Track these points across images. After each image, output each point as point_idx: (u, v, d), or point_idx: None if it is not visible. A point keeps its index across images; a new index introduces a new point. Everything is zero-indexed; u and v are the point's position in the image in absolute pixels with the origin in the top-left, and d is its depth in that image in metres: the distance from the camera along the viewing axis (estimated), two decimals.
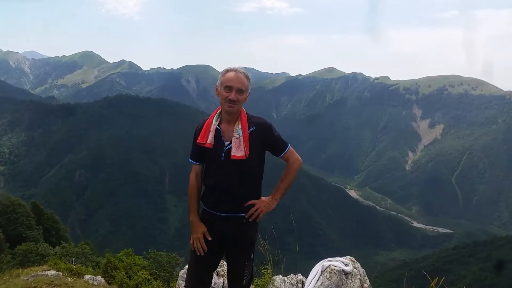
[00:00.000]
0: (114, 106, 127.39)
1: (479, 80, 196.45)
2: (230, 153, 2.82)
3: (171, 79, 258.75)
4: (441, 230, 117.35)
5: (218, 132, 2.88)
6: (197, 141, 2.90)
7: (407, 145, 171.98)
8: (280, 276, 4.06)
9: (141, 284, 7.23)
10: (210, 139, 2.86)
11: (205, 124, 2.94)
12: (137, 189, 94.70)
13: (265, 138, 2.94)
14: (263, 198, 2.98)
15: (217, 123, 2.91)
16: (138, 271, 8.02)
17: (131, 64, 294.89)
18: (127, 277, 7.33)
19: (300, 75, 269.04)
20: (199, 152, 2.95)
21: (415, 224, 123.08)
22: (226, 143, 2.86)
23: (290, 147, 3.06)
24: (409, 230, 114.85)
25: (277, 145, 3.02)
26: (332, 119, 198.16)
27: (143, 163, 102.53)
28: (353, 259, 4.03)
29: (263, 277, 4.18)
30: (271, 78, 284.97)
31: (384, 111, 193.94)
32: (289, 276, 4.04)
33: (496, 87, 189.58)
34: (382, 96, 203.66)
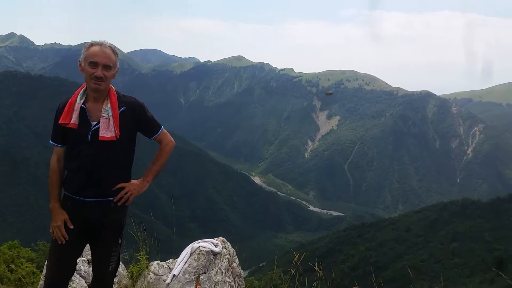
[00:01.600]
0: (0, 84, 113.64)
1: (372, 76, 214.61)
2: (98, 134, 2.62)
3: (68, 56, 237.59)
4: (334, 213, 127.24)
5: (83, 111, 2.67)
6: (59, 121, 2.67)
7: (307, 135, 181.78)
8: (158, 261, 4.08)
9: (25, 278, 6.88)
10: (74, 118, 2.64)
11: (68, 102, 2.71)
12: (26, 175, 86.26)
13: (137, 119, 2.77)
14: (133, 181, 2.82)
15: (82, 101, 2.68)
16: (22, 264, 7.59)
17: (22, 38, 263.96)
18: (8, 270, 6.92)
19: (209, 61, 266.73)
20: (61, 133, 2.71)
21: (312, 208, 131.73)
22: (93, 123, 2.65)
23: (163, 129, 2.92)
24: (306, 214, 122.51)
25: (150, 126, 2.86)
26: (239, 107, 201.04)
27: (34, 148, 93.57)
28: (224, 239, 4.10)
29: (138, 264, 4.14)
30: (179, 62, 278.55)
31: (288, 101, 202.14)
32: (167, 260, 4.07)
33: (386, 83, 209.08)
34: (287, 87, 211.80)
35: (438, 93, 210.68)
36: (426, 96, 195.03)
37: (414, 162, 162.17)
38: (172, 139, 2.98)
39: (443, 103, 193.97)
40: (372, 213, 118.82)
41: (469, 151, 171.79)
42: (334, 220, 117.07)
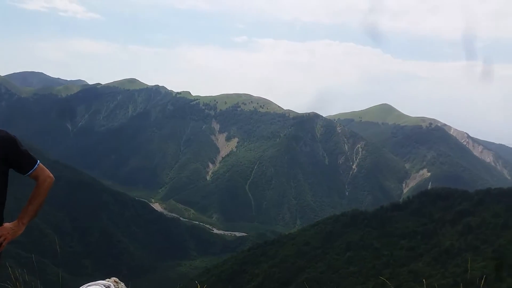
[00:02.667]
0: None
1: (266, 99, 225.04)
2: None
3: None
4: (238, 234, 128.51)
5: None
6: None
7: (207, 157, 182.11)
8: None
9: None
10: None
11: None
12: None
13: (6, 155, 2.53)
14: (6, 224, 2.57)
15: None
16: None
17: None
18: None
19: (99, 83, 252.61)
20: None
21: (216, 231, 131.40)
22: None
23: (40, 164, 2.70)
24: (210, 238, 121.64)
25: (23, 162, 2.63)
26: (135, 131, 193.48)
27: None
28: (117, 279, 3.82)
29: None
30: (65, 85, 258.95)
31: (186, 124, 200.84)
32: None
33: (278, 106, 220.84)
34: (185, 110, 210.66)
35: (324, 115, 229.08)
36: (314, 117, 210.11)
37: (308, 178, 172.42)
38: (51, 175, 2.76)
39: (329, 124, 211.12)
40: (273, 231, 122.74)
41: (354, 166, 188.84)
42: (238, 241, 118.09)
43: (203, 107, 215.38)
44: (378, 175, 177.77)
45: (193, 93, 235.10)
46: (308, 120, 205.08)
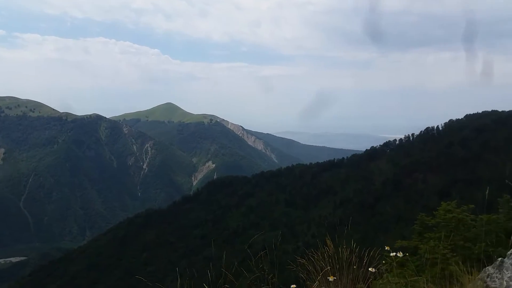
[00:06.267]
0: None
1: (37, 102, 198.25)
2: None
3: None
4: (14, 260, 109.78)
5: None
6: None
7: None
8: None
9: None
10: None
11: None
12: None
13: None
14: None
15: None
16: None
17: None
18: None
19: None
20: None
21: None
22: None
23: None
24: None
25: None
26: None
27: None
28: None
29: None
30: None
31: None
32: None
33: (53, 109, 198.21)
34: None
35: (108, 116, 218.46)
36: (96, 119, 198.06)
37: (95, 185, 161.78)
38: None
39: (114, 125, 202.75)
40: (60, 248, 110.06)
41: (144, 166, 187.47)
42: (17, 267, 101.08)
43: None
44: (169, 172, 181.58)
45: None
46: (90, 123, 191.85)
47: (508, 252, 2.61)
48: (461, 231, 8.74)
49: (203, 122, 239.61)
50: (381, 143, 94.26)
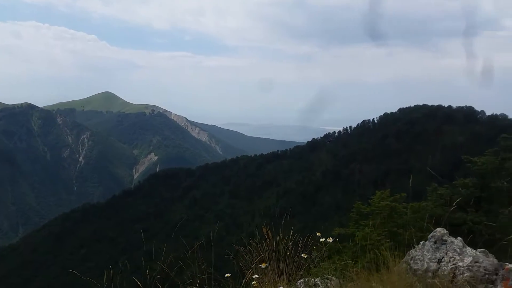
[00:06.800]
0: None
1: None
2: None
3: None
4: None
5: None
6: None
7: None
8: None
9: None
10: None
11: None
12: None
13: None
14: None
15: None
16: None
17: None
18: None
19: None
20: None
21: None
22: None
23: None
24: None
25: None
26: None
27: None
28: None
29: None
30: None
31: None
32: None
33: None
34: None
35: (41, 105, 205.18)
36: (28, 108, 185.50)
37: (28, 178, 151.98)
38: None
39: (47, 115, 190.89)
40: None
41: (81, 159, 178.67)
42: None
43: None
44: (107, 165, 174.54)
45: None
46: (22, 113, 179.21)
47: (429, 236, 2.87)
48: (394, 218, 9.36)
49: (145, 112, 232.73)
50: (322, 135, 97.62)
